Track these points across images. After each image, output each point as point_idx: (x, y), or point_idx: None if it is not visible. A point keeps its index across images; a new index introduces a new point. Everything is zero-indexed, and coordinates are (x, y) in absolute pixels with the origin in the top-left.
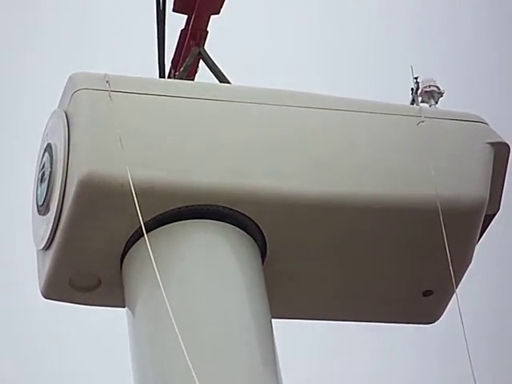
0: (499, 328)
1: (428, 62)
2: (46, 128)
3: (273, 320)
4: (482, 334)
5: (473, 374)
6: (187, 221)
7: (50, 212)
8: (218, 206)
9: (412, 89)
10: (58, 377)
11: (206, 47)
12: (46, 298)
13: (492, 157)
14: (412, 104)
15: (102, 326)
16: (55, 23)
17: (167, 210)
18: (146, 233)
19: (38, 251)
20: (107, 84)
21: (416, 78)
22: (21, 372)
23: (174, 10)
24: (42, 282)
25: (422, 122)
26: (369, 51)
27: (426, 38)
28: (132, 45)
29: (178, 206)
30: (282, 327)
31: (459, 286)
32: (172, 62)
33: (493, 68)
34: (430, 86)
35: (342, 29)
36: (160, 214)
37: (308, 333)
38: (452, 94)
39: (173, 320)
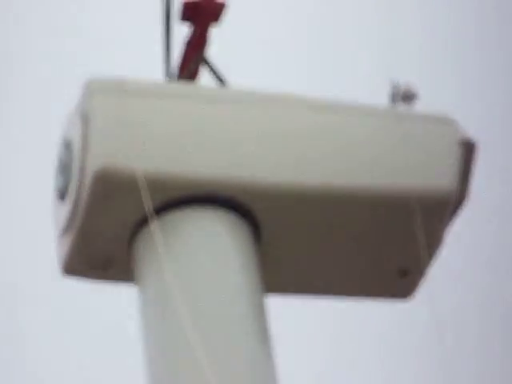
0: (474, 312)
1: (405, 64)
2: (64, 126)
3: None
4: (454, 317)
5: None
6: (189, 207)
7: (68, 200)
8: (217, 194)
9: (390, 91)
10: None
11: (208, 53)
12: (65, 274)
13: (461, 153)
14: (390, 105)
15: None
16: (63, 29)
17: (171, 197)
18: (154, 218)
19: (57, 234)
20: (121, 87)
21: (394, 82)
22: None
23: (180, 19)
24: (62, 260)
25: (399, 122)
26: (355, 55)
27: (402, 41)
28: (139, 50)
29: (181, 194)
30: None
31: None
32: (178, 68)
33: (464, 70)
34: (406, 89)
35: (337, 31)
36: (165, 202)
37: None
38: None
39: (175, 293)
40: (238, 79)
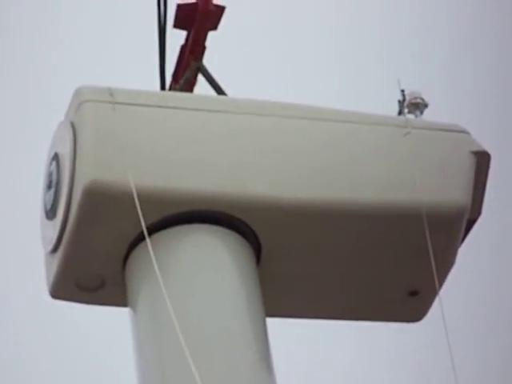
0: (482, 328)
1: (414, 74)
2: (53, 138)
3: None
4: (464, 335)
5: (455, 375)
6: (186, 225)
7: (56, 217)
8: (214, 211)
9: (399, 101)
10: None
11: (204, 62)
12: (53, 297)
13: (474, 165)
14: (399, 115)
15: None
16: (58, 39)
17: (167, 214)
18: (148, 236)
19: (45, 254)
20: (111, 96)
21: (403, 91)
22: None
23: (174, 26)
24: (50, 282)
25: (409, 132)
26: (359, 65)
27: (413, 51)
28: (134, 59)
29: (177, 211)
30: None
31: (443, 287)
32: (173, 76)
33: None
34: (415, 98)
35: (337, 40)
36: (160, 219)
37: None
38: (436, 104)
39: (172, 315)
40: (236, 88)
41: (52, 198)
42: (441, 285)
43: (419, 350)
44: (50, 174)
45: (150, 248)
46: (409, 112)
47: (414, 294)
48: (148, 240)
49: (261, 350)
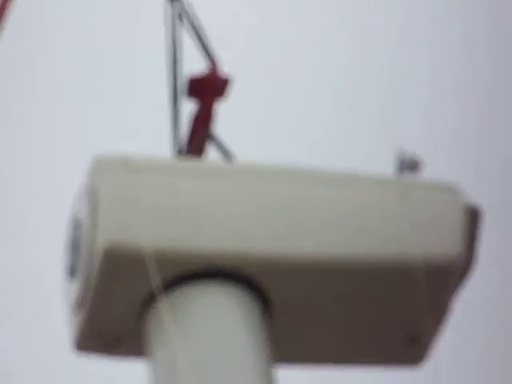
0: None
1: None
2: (73, 202)
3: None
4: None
5: None
6: (198, 280)
7: (77, 276)
8: (225, 268)
9: (396, 160)
10: None
11: (214, 128)
12: (76, 350)
13: (466, 220)
14: (396, 174)
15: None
16: (75, 106)
17: (180, 272)
18: (162, 293)
19: (68, 313)
20: (126, 164)
21: (399, 151)
22: None
23: (187, 95)
24: (72, 336)
25: (405, 191)
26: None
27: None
28: (148, 125)
29: (190, 268)
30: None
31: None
32: (185, 142)
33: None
34: (412, 158)
35: (341, 101)
36: (175, 276)
37: None
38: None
39: (185, 371)
40: (245, 153)
41: (73, 260)
42: (439, 330)
43: None
44: (70, 239)
45: (163, 306)
46: (405, 171)
47: (414, 340)
48: (161, 298)
49: None
